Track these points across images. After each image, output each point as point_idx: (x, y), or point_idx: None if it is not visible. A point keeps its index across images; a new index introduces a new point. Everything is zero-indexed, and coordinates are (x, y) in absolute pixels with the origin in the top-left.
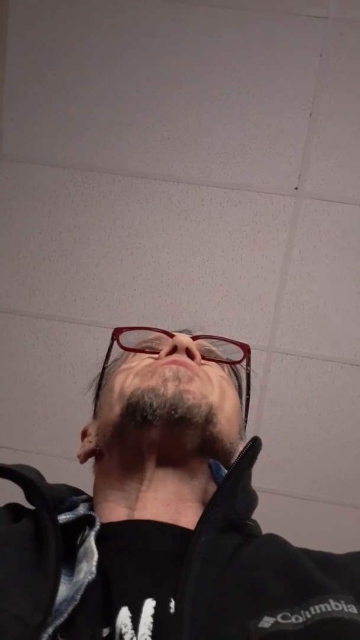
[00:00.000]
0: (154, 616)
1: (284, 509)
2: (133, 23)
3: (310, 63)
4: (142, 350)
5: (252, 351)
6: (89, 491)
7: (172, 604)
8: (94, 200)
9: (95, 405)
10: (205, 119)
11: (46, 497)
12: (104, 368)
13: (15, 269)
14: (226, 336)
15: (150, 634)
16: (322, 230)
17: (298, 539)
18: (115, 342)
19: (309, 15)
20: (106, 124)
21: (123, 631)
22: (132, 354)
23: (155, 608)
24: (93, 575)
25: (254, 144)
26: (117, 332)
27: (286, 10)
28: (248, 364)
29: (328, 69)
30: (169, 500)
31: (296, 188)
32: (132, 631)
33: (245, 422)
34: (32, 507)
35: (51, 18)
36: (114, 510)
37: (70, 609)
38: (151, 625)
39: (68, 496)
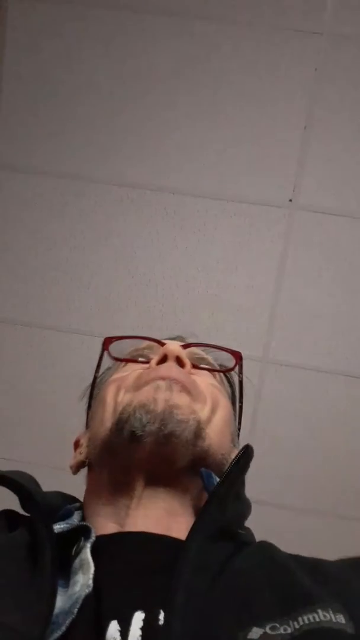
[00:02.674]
0: (142, 629)
1: (276, 520)
2: (131, 36)
3: (305, 77)
4: (132, 360)
5: (246, 361)
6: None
7: (162, 616)
8: (89, 210)
9: (87, 415)
10: (200, 131)
11: (41, 506)
12: (95, 378)
13: (10, 279)
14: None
15: None
16: (315, 242)
17: (290, 550)
18: (105, 352)
19: (304, 31)
20: (103, 135)
21: None
22: (123, 363)
23: (144, 620)
24: (90, 589)
25: (248, 156)
26: (107, 342)
27: (281, 25)
28: (240, 371)
29: (322, 83)
30: (159, 516)
31: (290, 200)
32: None
33: (239, 429)
34: (27, 514)
35: (49, 30)
36: (104, 526)
37: (67, 622)
38: (140, 638)
39: (62, 504)
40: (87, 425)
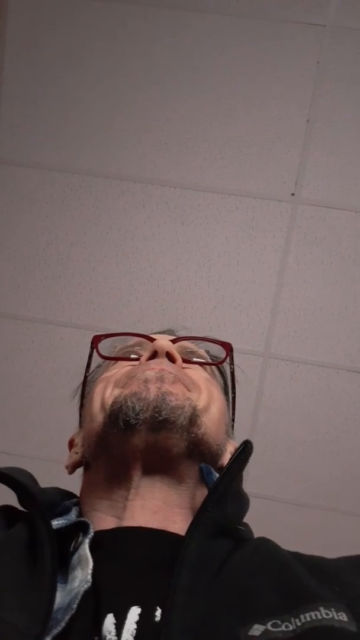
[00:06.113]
0: (137, 623)
1: (278, 515)
2: (131, 29)
3: (308, 70)
4: (122, 358)
5: (247, 356)
6: None
7: (158, 612)
8: (90, 204)
9: (80, 415)
10: (202, 125)
11: (39, 503)
12: (85, 377)
13: (10, 273)
14: (218, 339)
15: (133, 639)
16: (318, 237)
17: (292, 545)
18: (95, 351)
19: (306, 23)
20: (103, 129)
21: (107, 638)
22: (113, 361)
23: (140, 615)
24: (89, 584)
25: (251, 150)
26: (95, 340)
27: (284, 18)
28: (231, 362)
29: (325, 76)
30: (156, 507)
31: (293, 194)
32: (116, 637)
33: (233, 420)
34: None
35: (50, 23)
36: (103, 520)
37: (67, 618)
38: (134, 632)
39: (60, 500)
40: (81, 425)
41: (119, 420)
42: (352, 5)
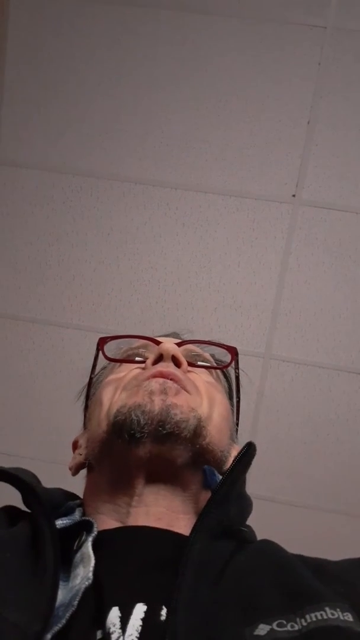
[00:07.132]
0: (143, 620)
1: (279, 516)
2: (132, 30)
3: (309, 72)
4: (127, 360)
5: (248, 357)
6: None
7: (164, 612)
8: (91, 205)
9: (85, 416)
10: (203, 126)
11: (43, 502)
12: (90, 379)
13: (12, 274)
14: (222, 342)
15: (138, 635)
16: (319, 238)
17: (293, 547)
18: (100, 353)
19: (307, 25)
20: (104, 130)
21: (111, 630)
22: (118, 363)
23: (146, 613)
24: (90, 581)
25: (252, 151)
26: (101, 342)
27: (285, 19)
28: (237, 367)
29: (326, 77)
30: (160, 514)
31: (294, 195)
32: (120, 631)
33: (237, 424)
34: (28, 510)
35: (51, 24)
36: (106, 522)
37: (67, 615)
38: (140, 628)
39: (64, 501)
40: (85, 426)
41: (123, 432)
42: (352, 6)
